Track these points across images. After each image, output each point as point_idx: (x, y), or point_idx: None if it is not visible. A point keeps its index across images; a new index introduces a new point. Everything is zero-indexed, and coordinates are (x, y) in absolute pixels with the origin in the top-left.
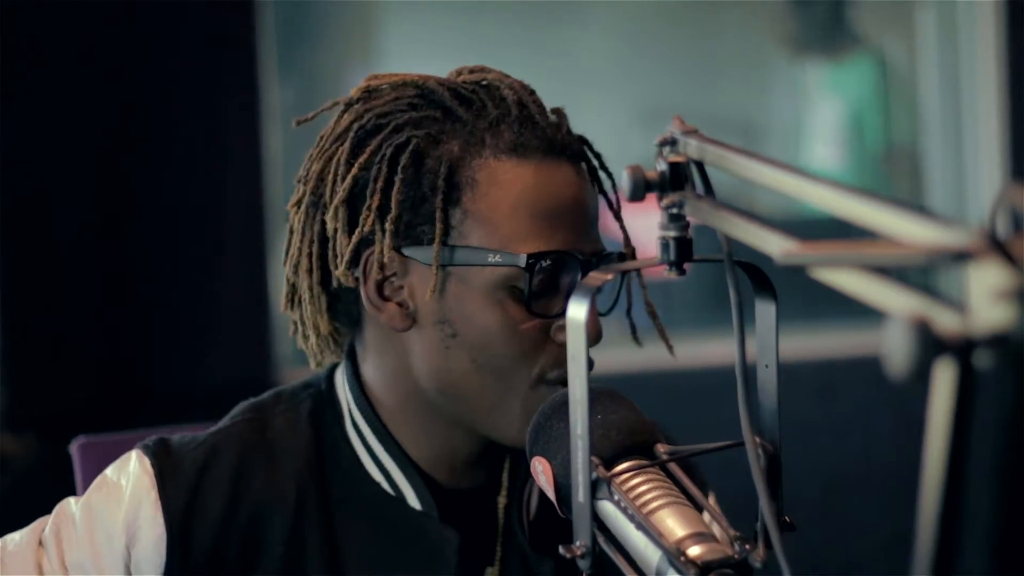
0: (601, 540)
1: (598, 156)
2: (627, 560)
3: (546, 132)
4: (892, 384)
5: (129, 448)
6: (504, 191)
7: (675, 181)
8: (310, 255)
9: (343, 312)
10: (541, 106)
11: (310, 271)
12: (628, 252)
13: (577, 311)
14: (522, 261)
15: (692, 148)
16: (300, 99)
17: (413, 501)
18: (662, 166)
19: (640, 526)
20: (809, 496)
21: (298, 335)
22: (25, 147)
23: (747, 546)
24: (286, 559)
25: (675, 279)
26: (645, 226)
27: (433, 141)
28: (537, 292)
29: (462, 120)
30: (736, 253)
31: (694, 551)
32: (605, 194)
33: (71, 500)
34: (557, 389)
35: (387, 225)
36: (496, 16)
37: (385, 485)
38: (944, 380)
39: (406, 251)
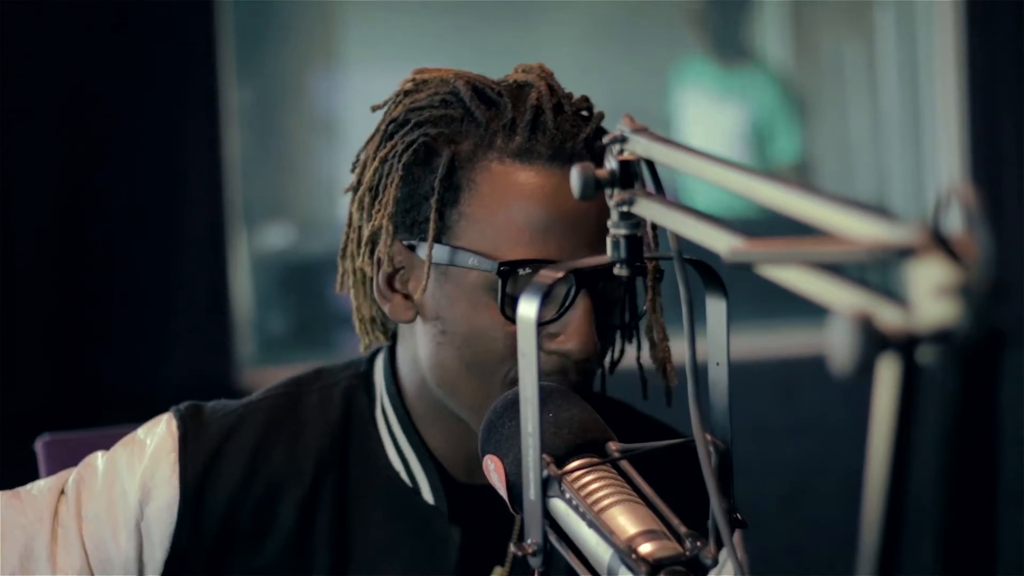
0: (553, 538)
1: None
2: (579, 558)
3: (555, 138)
4: (852, 383)
5: (92, 447)
6: (500, 195)
7: (625, 179)
8: (353, 240)
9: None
10: (563, 111)
11: (352, 256)
12: (651, 268)
13: (527, 309)
14: (495, 268)
15: (641, 146)
16: (259, 100)
17: (427, 495)
18: (612, 164)
19: (591, 524)
20: (770, 495)
21: (355, 316)
22: None
23: (698, 543)
24: (295, 535)
25: (626, 277)
26: None
27: (446, 140)
28: (519, 296)
29: (477, 121)
30: (688, 251)
31: (645, 548)
32: None
33: (99, 454)
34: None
35: (397, 224)
36: (456, 15)
37: (403, 475)
38: (888, 376)
39: (411, 245)
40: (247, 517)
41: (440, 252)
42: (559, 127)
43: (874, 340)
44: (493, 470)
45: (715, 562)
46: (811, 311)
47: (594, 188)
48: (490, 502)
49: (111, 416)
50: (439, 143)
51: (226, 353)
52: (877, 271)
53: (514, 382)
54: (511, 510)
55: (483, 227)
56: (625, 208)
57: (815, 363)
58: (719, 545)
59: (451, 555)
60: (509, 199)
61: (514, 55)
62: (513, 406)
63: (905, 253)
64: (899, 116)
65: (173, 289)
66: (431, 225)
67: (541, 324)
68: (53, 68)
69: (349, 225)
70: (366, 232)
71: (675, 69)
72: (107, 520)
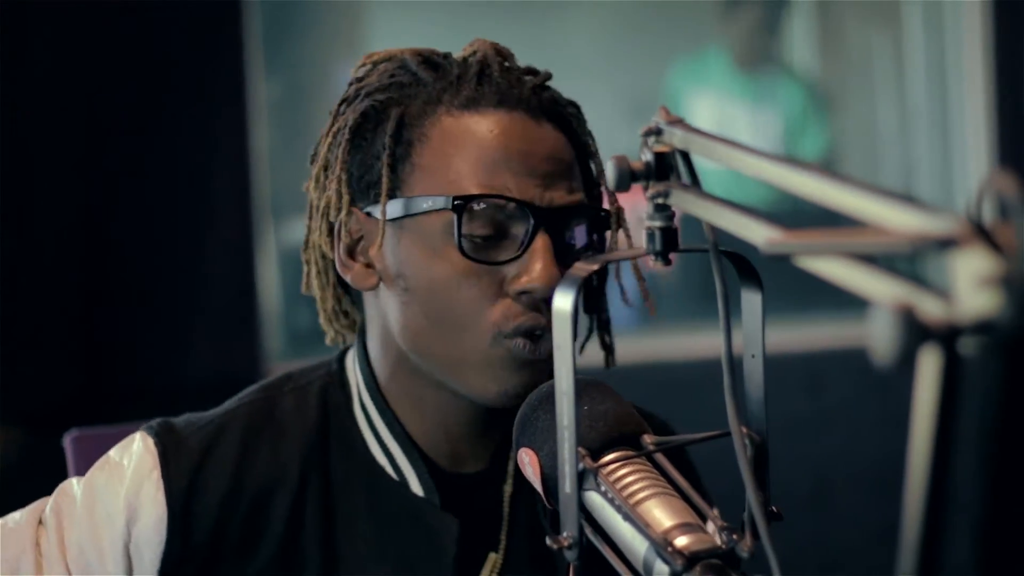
0: (588, 531)
1: (575, 116)
2: (614, 551)
3: (501, 86)
4: (881, 376)
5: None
6: (451, 142)
7: (660, 171)
8: (313, 230)
9: (347, 287)
10: (509, 65)
11: (314, 246)
12: (613, 211)
13: (563, 302)
14: (448, 203)
15: (677, 137)
16: (287, 94)
17: (415, 487)
18: (647, 156)
19: (627, 517)
20: (798, 488)
21: (321, 316)
22: (12, 144)
23: (734, 536)
24: (285, 539)
25: (662, 270)
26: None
27: (395, 103)
28: (476, 238)
29: (425, 83)
30: (723, 243)
31: (681, 541)
32: (589, 160)
33: (73, 480)
34: (518, 343)
35: (350, 188)
36: (483, 10)
37: (389, 469)
38: (929, 368)
39: (367, 210)
40: (236, 527)
41: (395, 207)
42: (505, 77)
43: (915, 331)
44: (528, 463)
45: (751, 554)
46: (836, 304)
47: (629, 180)
48: (476, 490)
49: (139, 411)
50: (388, 107)
51: (253, 347)
52: (908, 262)
53: (496, 336)
54: (546, 503)
55: (436, 174)
56: (660, 200)
57: (842, 356)
58: (755, 538)
59: (449, 547)
60: (460, 144)
61: (538, 48)
62: (548, 399)
63: (946, 244)
64: (927, 109)
65: (201, 283)
66: (384, 180)
67: (500, 263)
68: (81, 63)
69: (310, 218)
70: (321, 206)
71: (696, 69)
72: (92, 546)
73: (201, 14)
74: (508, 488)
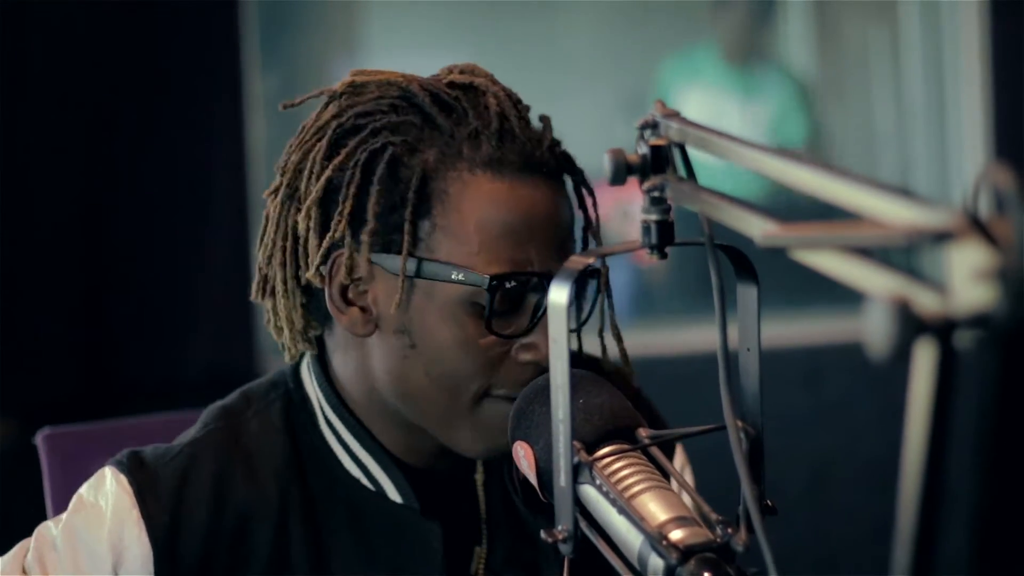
0: (583, 524)
1: (580, 172)
2: (609, 544)
3: (525, 147)
4: (878, 370)
5: (95, 439)
6: (475, 206)
7: (656, 164)
8: (283, 249)
9: (315, 307)
10: (524, 118)
11: (284, 264)
12: (604, 271)
13: (558, 294)
14: (485, 282)
15: (673, 131)
16: (284, 88)
17: (393, 494)
18: (643, 149)
19: (622, 510)
20: (795, 483)
21: (271, 325)
22: (10, 139)
23: (729, 530)
24: (272, 560)
25: (657, 264)
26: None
27: (409, 149)
28: (499, 311)
29: (440, 128)
30: (719, 237)
31: (676, 535)
32: (585, 210)
33: (50, 524)
34: (501, 404)
35: (362, 236)
36: (480, 6)
37: (364, 480)
38: (924, 361)
39: (373, 258)
40: (223, 555)
41: (411, 264)
42: (525, 135)
43: (911, 324)
44: (523, 456)
45: (746, 548)
46: (833, 298)
47: (625, 174)
48: (450, 486)
49: (137, 406)
50: (401, 151)
51: (249, 342)
52: (901, 255)
53: (484, 395)
54: (541, 497)
55: (459, 239)
56: (657, 194)
57: (838, 350)
58: (750, 531)
59: (436, 549)
60: (485, 210)
61: (534, 43)
62: (543, 393)
63: (942, 237)
64: (923, 104)
65: (197, 277)
66: (405, 238)
67: (517, 336)
68: (78, 58)
69: (277, 231)
70: (317, 244)
71: (688, 66)
72: None
73: (198, 9)
74: (480, 476)
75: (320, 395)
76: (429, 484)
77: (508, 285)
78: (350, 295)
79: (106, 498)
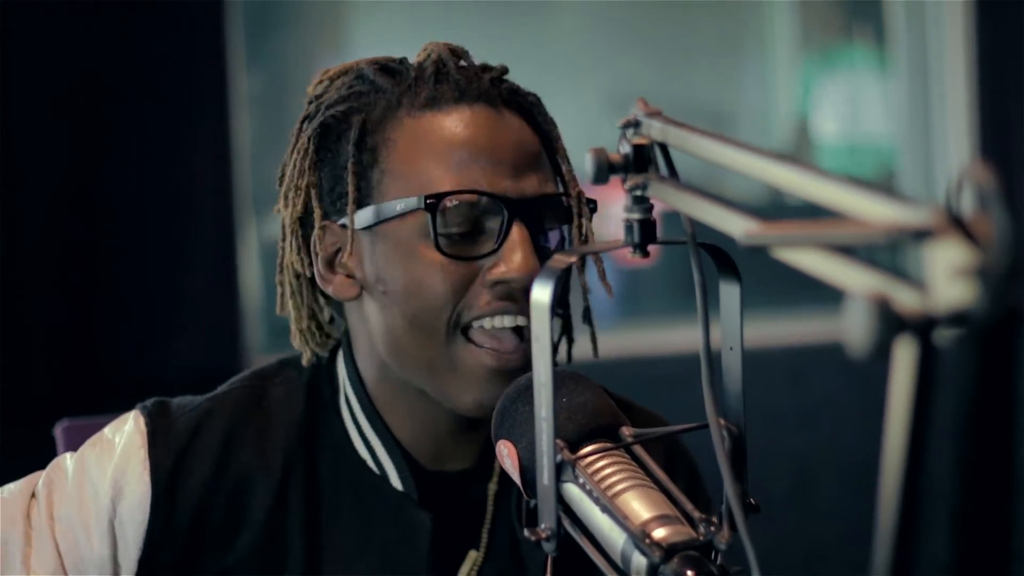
0: (566, 523)
1: (534, 105)
2: (592, 543)
3: (460, 82)
4: (862, 370)
5: None
6: (416, 143)
7: (639, 163)
8: (286, 250)
9: (329, 301)
10: (463, 63)
11: (289, 266)
12: (573, 194)
13: (541, 294)
14: (421, 203)
15: (656, 130)
16: (269, 87)
17: (395, 481)
18: (625, 148)
19: (605, 508)
20: (780, 482)
21: (295, 339)
22: None
23: (712, 528)
24: (267, 526)
25: (642, 264)
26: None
27: (355, 112)
28: (452, 235)
29: (383, 89)
30: (702, 236)
31: (659, 533)
32: (554, 147)
33: (67, 455)
34: (480, 352)
35: (321, 201)
36: (467, 5)
37: (370, 463)
38: (904, 358)
39: (340, 222)
40: (219, 512)
41: (367, 214)
42: (461, 73)
43: (891, 322)
44: (506, 455)
45: (729, 546)
46: (819, 298)
47: (607, 173)
48: (459, 487)
49: (120, 404)
50: (349, 116)
51: (235, 340)
52: (887, 254)
53: (455, 330)
54: (524, 495)
55: (406, 177)
56: (639, 193)
57: (824, 350)
58: (733, 529)
59: (423, 541)
60: (425, 144)
61: (521, 42)
62: (526, 391)
63: (922, 235)
64: (908, 103)
65: (183, 277)
66: (350, 189)
67: (479, 257)
68: (62, 56)
69: (283, 238)
70: (289, 222)
71: (687, 63)
72: (79, 520)
73: (183, 8)
74: (493, 487)
75: (345, 374)
76: (438, 483)
77: (449, 204)
78: (336, 267)
79: (121, 436)
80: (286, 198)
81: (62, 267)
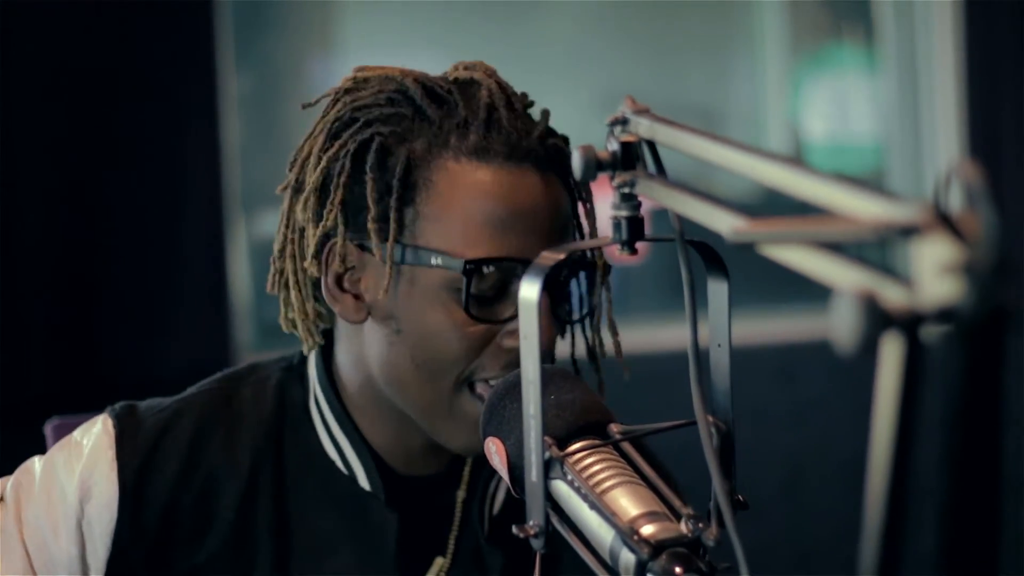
0: (555, 519)
1: (569, 169)
2: (581, 539)
3: (511, 137)
4: (851, 367)
5: None
6: (458, 193)
7: (626, 160)
8: (292, 241)
9: (323, 300)
10: (515, 109)
11: (293, 257)
12: (600, 265)
13: (529, 291)
14: (460, 266)
15: (643, 127)
16: (258, 88)
17: (363, 481)
18: (613, 146)
19: (593, 505)
20: (771, 480)
21: (283, 318)
22: None
23: (700, 524)
24: (236, 526)
25: (630, 261)
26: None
27: (399, 139)
28: (481, 297)
29: (429, 119)
30: (689, 233)
31: (647, 530)
32: (580, 203)
33: (36, 458)
34: (480, 397)
35: (352, 224)
36: (457, 5)
37: (339, 463)
38: (891, 355)
39: (362, 244)
40: (187, 512)
41: (396, 251)
42: (513, 125)
43: (878, 318)
44: (495, 452)
45: (717, 543)
46: (809, 296)
47: (595, 170)
48: (428, 492)
49: (112, 401)
50: (391, 141)
51: (225, 339)
52: (875, 251)
53: (462, 384)
54: (513, 492)
55: (442, 225)
56: (627, 190)
57: (813, 348)
58: (721, 526)
59: (389, 541)
60: (468, 197)
61: (511, 42)
62: (514, 389)
63: (909, 231)
64: (897, 102)
65: (173, 276)
66: (391, 224)
67: (501, 322)
68: (53, 57)
69: (288, 225)
70: (313, 233)
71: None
72: (48, 522)
73: (173, 9)
74: (462, 493)
75: (316, 378)
76: (407, 487)
77: (486, 270)
78: (345, 283)
79: (90, 438)
80: (305, 197)
81: (53, 267)
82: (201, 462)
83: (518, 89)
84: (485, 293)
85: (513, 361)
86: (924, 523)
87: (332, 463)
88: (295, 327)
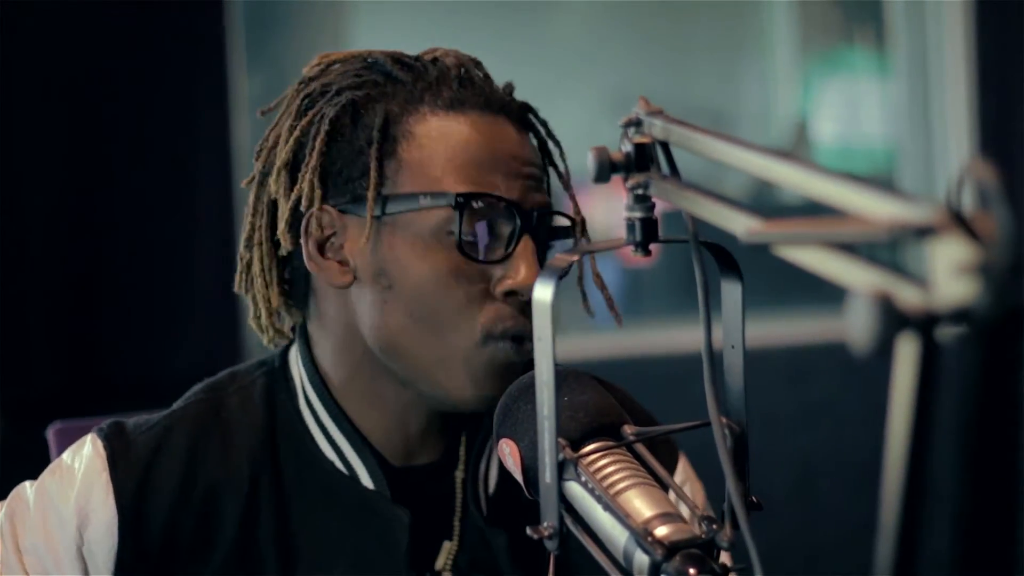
0: (568, 521)
1: (544, 124)
2: (594, 541)
3: (484, 91)
4: (864, 369)
5: None
6: (439, 141)
7: (640, 162)
8: (260, 227)
9: (295, 283)
10: (485, 74)
11: (260, 243)
12: (578, 220)
13: (543, 292)
14: (451, 199)
15: (657, 128)
16: (269, 88)
17: (365, 480)
18: (627, 147)
19: (607, 507)
20: (782, 482)
21: (252, 317)
22: None
23: (714, 526)
24: (239, 540)
25: (643, 262)
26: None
27: (374, 100)
28: (471, 236)
29: (402, 82)
30: (704, 234)
31: (661, 531)
32: (555, 165)
33: (27, 484)
34: (508, 346)
35: (330, 187)
36: (467, 6)
37: (338, 463)
38: (906, 356)
39: (343, 207)
40: (189, 529)
41: (381, 203)
42: (484, 83)
43: (893, 319)
44: (508, 454)
45: (731, 545)
46: (821, 297)
47: (609, 172)
48: (428, 480)
49: (122, 403)
50: (365, 103)
51: (236, 340)
52: (888, 252)
53: (486, 337)
54: (527, 494)
55: (426, 169)
56: (640, 192)
57: (825, 350)
58: (735, 527)
59: (401, 538)
60: (451, 141)
61: (525, 43)
62: (528, 390)
63: (924, 232)
64: (908, 104)
65: (184, 276)
66: (372, 175)
67: (492, 262)
68: (64, 57)
69: (254, 214)
70: (286, 205)
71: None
72: (47, 551)
73: (184, 9)
74: (459, 474)
75: (304, 375)
76: (407, 478)
77: (476, 205)
78: (327, 252)
79: (80, 461)
80: (277, 174)
81: (63, 268)
82: (198, 477)
83: (528, 90)
84: (474, 233)
85: (514, 307)
86: (939, 525)
87: (331, 465)
88: (261, 327)
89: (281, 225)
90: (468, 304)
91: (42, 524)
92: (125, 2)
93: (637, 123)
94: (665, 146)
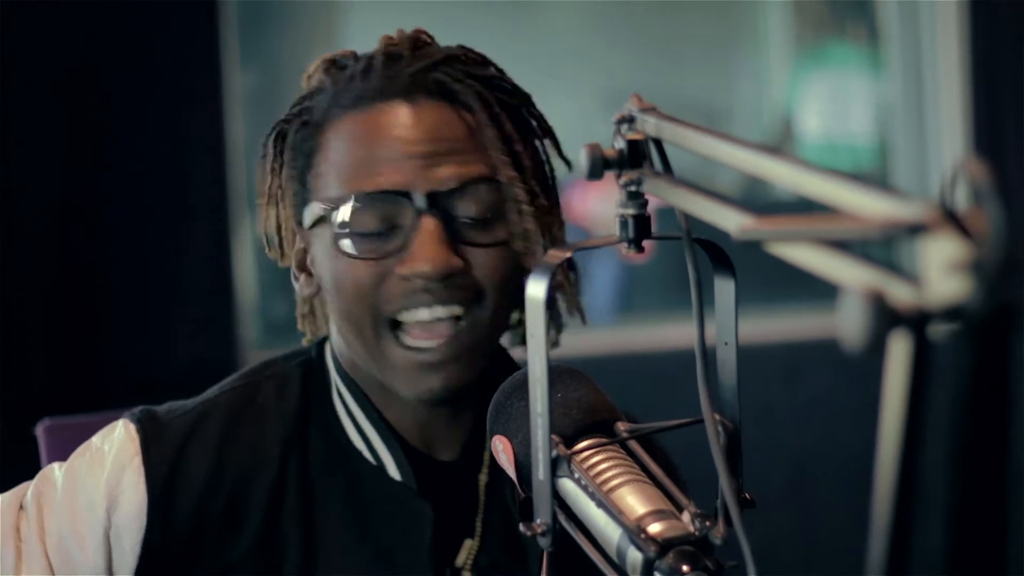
0: (562, 518)
1: (453, 93)
2: (588, 538)
3: (382, 77)
4: (858, 366)
5: (94, 431)
6: (335, 146)
7: (633, 159)
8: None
9: None
10: (393, 55)
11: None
12: (505, 177)
13: (536, 289)
14: (321, 210)
15: (650, 125)
16: (262, 84)
17: (393, 471)
18: (620, 144)
19: (600, 504)
20: (774, 478)
21: (299, 312)
22: None
23: (707, 523)
24: (265, 525)
25: (636, 260)
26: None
27: (299, 116)
28: (367, 234)
29: (324, 89)
30: (696, 231)
31: (654, 528)
32: (498, 122)
33: (55, 466)
34: (401, 350)
35: (283, 203)
36: (461, 4)
37: (367, 454)
38: (899, 353)
39: (299, 223)
40: (217, 513)
41: (307, 216)
42: (388, 66)
43: (886, 316)
44: (502, 450)
45: (724, 541)
46: (814, 294)
47: (602, 168)
48: (452, 476)
49: (115, 400)
50: (297, 122)
51: (229, 337)
52: (881, 249)
53: (378, 319)
54: (520, 491)
55: (324, 179)
56: (633, 188)
57: (818, 346)
58: (728, 524)
59: (424, 532)
60: (342, 146)
61: (519, 41)
62: (522, 387)
63: (916, 229)
64: (901, 101)
65: (177, 273)
66: (293, 187)
67: (386, 257)
68: (56, 53)
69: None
70: (265, 229)
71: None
72: (72, 533)
73: (177, 8)
74: (484, 477)
75: (334, 367)
76: (432, 471)
77: (356, 206)
78: (307, 263)
79: (111, 444)
80: (266, 210)
81: (56, 265)
82: (229, 463)
83: (522, 87)
84: (368, 230)
85: (410, 288)
86: (932, 522)
87: (360, 454)
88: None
89: (267, 247)
90: (367, 291)
91: (69, 505)
92: (118, 0)
93: (630, 120)
94: (658, 143)
